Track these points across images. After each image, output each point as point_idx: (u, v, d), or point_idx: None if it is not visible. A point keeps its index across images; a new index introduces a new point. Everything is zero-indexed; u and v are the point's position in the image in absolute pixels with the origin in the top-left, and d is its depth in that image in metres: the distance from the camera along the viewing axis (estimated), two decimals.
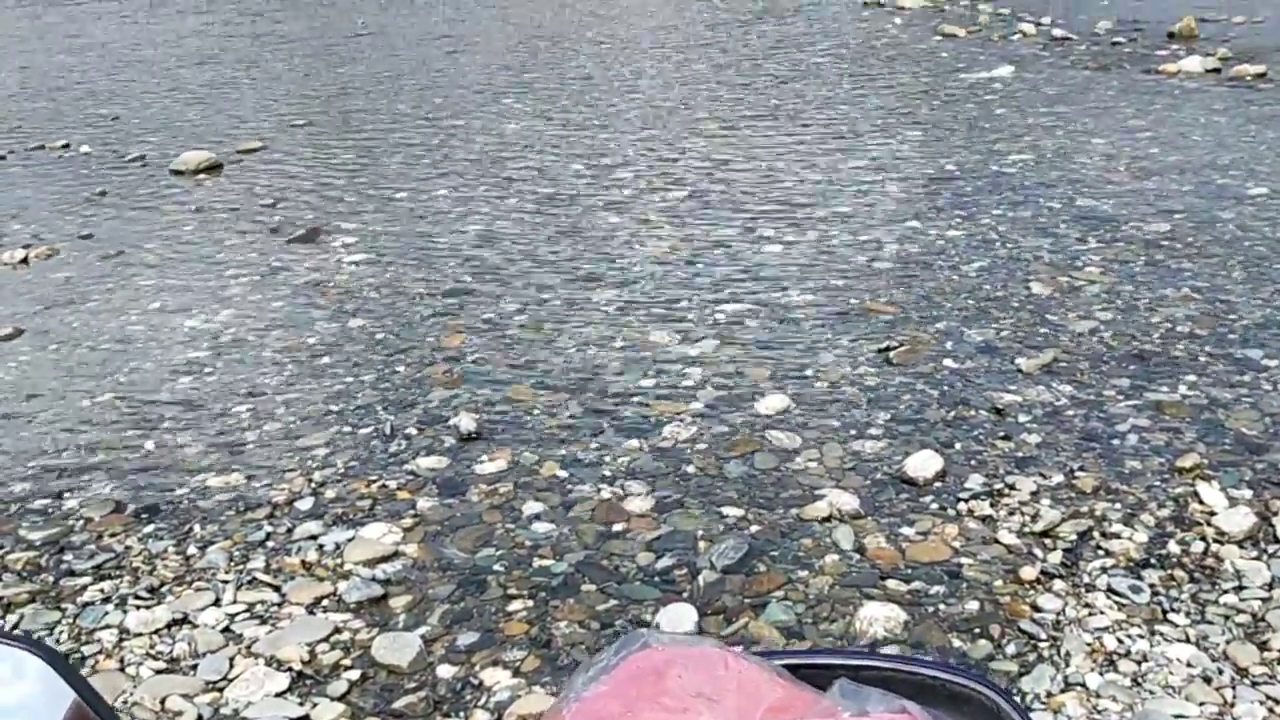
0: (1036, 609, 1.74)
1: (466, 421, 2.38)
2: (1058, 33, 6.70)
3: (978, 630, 1.70)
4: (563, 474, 2.19)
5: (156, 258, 3.59)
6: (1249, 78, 5.24)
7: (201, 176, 4.53)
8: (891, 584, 1.82)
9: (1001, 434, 2.24)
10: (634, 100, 5.55)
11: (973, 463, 2.14)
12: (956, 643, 1.68)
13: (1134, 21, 7.01)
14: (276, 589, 1.88)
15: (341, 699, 1.66)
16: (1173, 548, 1.86)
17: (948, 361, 2.58)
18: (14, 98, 6.59)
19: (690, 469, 2.18)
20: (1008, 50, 6.34)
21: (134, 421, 2.49)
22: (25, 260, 3.59)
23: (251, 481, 2.21)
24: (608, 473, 2.18)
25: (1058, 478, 2.07)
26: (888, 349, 2.65)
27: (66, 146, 5.11)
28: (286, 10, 10.44)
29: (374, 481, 2.19)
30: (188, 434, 2.42)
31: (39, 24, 10.50)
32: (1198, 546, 1.87)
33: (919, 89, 5.47)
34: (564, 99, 5.68)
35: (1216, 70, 5.43)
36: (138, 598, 1.86)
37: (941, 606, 1.76)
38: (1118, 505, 1.99)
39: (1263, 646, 1.66)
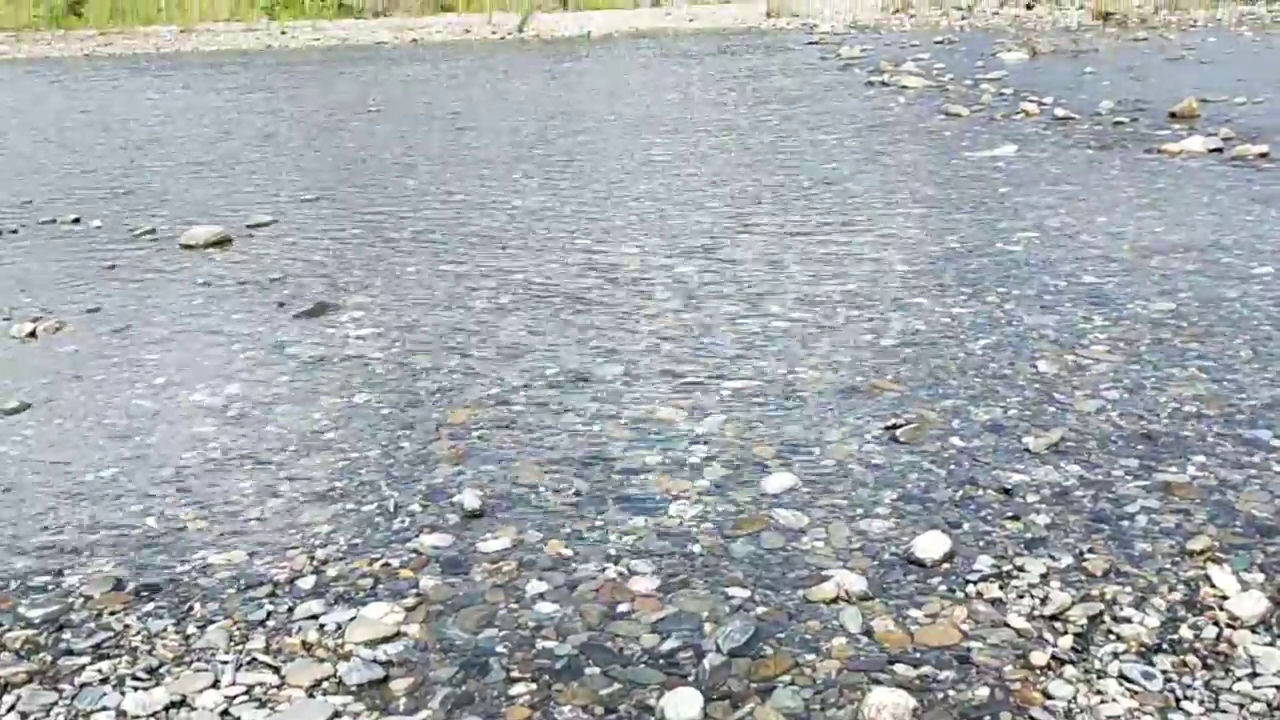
0: (1048, 696, 1.71)
1: (470, 498, 2.37)
2: (1060, 112, 6.78)
3: (988, 718, 1.67)
4: (567, 552, 2.17)
5: (164, 332, 3.60)
6: (1251, 157, 5.29)
7: (211, 251, 4.57)
8: (900, 668, 1.79)
9: (1010, 514, 2.22)
10: (641, 176, 5.60)
11: (981, 543, 2.12)
12: None
13: (1135, 102, 7.09)
14: (276, 670, 1.85)
15: None
16: (1185, 633, 1.84)
17: (955, 440, 2.57)
18: (27, 173, 6.66)
19: (696, 548, 2.16)
20: (1011, 129, 6.41)
21: (137, 497, 2.47)
22: (33, 334, 3.60)
23: (253, 559, 2.19)
24: (613, 551, 2.16)
25: (1067, 560, 2.05)
26: (894, 427, 2.64)
27: (77, 221, 5.16)
28: (299, 88, 10.60)
29: (376, 559, 2.17)
30: (190, 510, 2.40)
31: (54, 99, 10.66)
32: (1210, 632, 1.84)
33: (924, 167, 5.52)
34: (572, 175, 5.73)
35: (1219, 150, 5.48)
36: (136, 679, 1.84)
37: (951, 692, 1.73)
38: (1128, 588, 1.96)
39: None
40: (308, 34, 17.35)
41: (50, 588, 2.12)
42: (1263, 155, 5.30)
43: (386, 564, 2.15)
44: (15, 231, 5.05)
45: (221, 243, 4.65)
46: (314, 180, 5.99)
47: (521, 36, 15.44)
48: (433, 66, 12.17)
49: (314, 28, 18.33)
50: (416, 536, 2.25)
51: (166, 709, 1.76)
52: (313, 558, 2.18)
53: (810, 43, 12.40)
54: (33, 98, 11.01)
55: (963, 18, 14.41)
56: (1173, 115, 6.45)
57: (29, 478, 2.61)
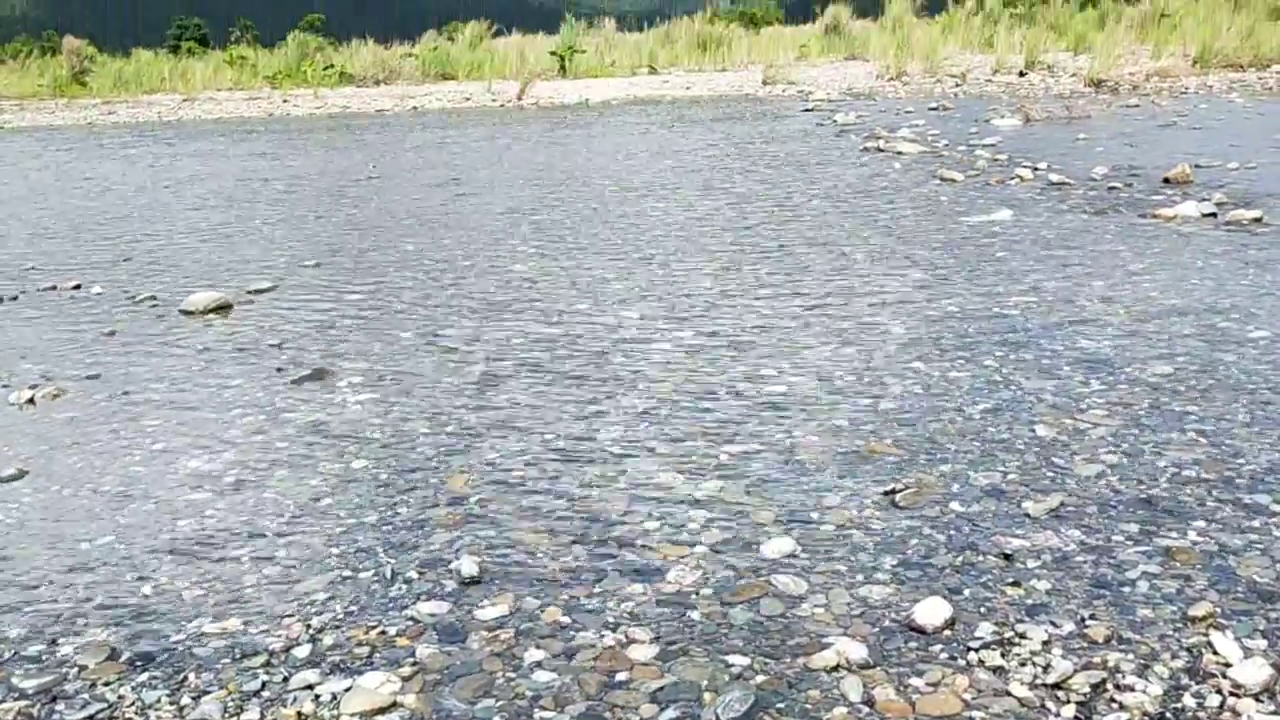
0: None
1: (468, 565, 2.36)
2: (1054, 178, 6.84)
3: None
4: (565, 620, 2.15)
5: (162, 398, 3.60)
6: (1245, 222, 5.33)
7: (211, 317, 4.59)
8: None
9: (1010, 580, 2.21)
10: (638, 241, 5.64)
11: (982, 610, 2.11)
12: None
13: (1129, 167, 7.16)
14: None
15: None
16: (1188, 701, 1.82)
17: (954, 505, 2.56)
18: (29, 239, 6.70)
19: (695, 615, 2.15)
20: (1006, 194, 6.46)
21: (132, 565, 2.46)
22: (32, 400, 3.60)
23: (248, 628, 2.18)
24: (611, 619, 2.15)
25: (1069, 626, 2.03)
26: (893, 491, 2.64)
27: (78, 287, 5.19)
28: (301, 154, 10.70)
29: (373, 627, 2.15)
30: (186, 578, 2.39)
31: (57, 167, 10.75)
32: (1214, 700, 1.82)
33: (920, 231, 5.56)
34: (569, 240, 5.77)
35: (1213, 215, 5.52)
36: None
37: None
38: (1130, 656, 1.94)
39: None
40: (310, 102, 17.55)
41: (44, 657, 2.11)
42: (1257, 220, 5.34)
43: (383, 632, 2.14)
44: (15, 298, 5.07)
45: (221, 308, 4.67)
46: (314, 246, 6.03)
47: (521, 104, 15.62)
48: (433, 133, 12.30)
49: (316, 96, 18.54)
50: (414, 604, 2.24)
51: None
52: (309, 626, 2.17)
53: (806, 109, 12.54)
54: (35, 165, 11.11)
55: (956, 85, 14.59)
56: (1166, 181, 6.51)
57: (24, 546, 2.60)
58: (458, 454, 3.02)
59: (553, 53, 20.30)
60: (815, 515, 2.54)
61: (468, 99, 16.60)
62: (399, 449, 3.08)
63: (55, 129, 16.00)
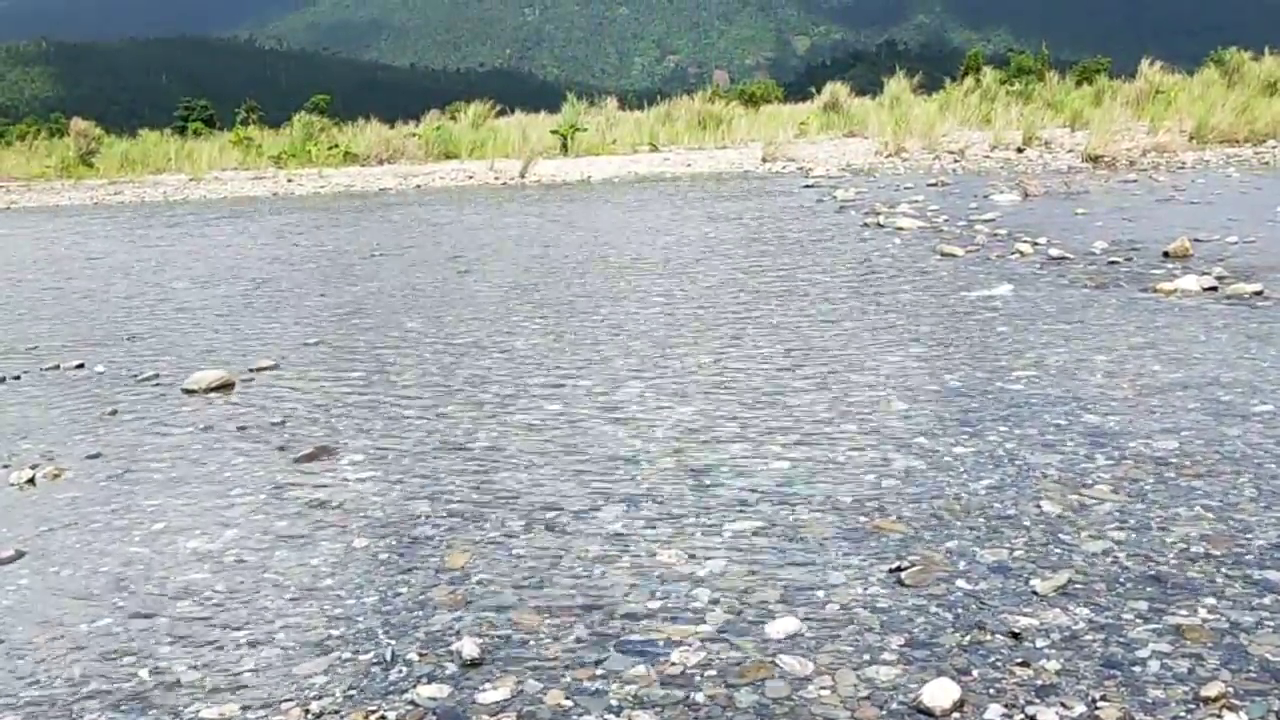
0: None
1: (469, 647, 2.32)
2: (1054, 252, 6.87)
3: None
4: (567, 703, 2.12)
5: (163, 477, 3.59)
6: (1246, 295, 5.34)
7: (213, 395, 4.58)
8: None
9: (1019, 660, 2.18)
10: (640, 317, 5.66)
11: (991, 691, 2.07)
12: None
13: (1129, 241, 7.20)
14: None
15: None
16: None
17: (961, 582, 2.53)
18: (34, 318, 6.73)
19: (700, 697, 2.11)
20: (1006, 269, 6.49)
21: (131, 648, 2.43)
22: (32, 480, 3.59)
23: (246, 713, 2.14)
24: (614, 702, 2.11)
25: (1080, 708, 2.00)
26: (899, 569, 2.61)
27: (81, 366, 5.19)
28: (305, 233, 10.78)
29: (373, 712, 2.12)
30: (184, 661, 2.36)
31: (63, 247, 10.83)
32: None
33: (921, 306, 5.58)
34: (572, 317, 5.79)
35: (1213, 288, 5.54)
36: None
37: None
38: None
39: None
40: (314, 181, 17.73)
41: None
42: (1257, 293, 5.36)
43: (383, 717, 2.10)
44: (18, 377, 5.07)
45: (224, 387, 4.67)
46: (317, 324, 6.05)
47: (523, 182, 15.77)
48: (435, 212, 12.41)
49: (320, 175, 18.74)
50: (414, 687, 2.20)
51: None
52: (307, 710, 2.13)
53: (806, 186, 12.65)
54: (41, 245, 11.20)
55: (954, 161, 14.74)
56: (1166, 255, 6.54)
57: (21, 629, 2.57)
58: (459, 532, 3.00)
59: (555, 131, 20.54)
60: (820, 594, 2.52)
61: (470, 177, 16.77)
62: (400, 527, 3.06)
63: (62, 209, 16.15)
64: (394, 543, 2.96)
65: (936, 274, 6.47)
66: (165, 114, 36.78)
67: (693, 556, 2.76)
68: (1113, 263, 6.46)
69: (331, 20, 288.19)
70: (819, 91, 24.23)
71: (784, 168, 15.36)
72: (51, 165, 22.32)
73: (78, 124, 23.92)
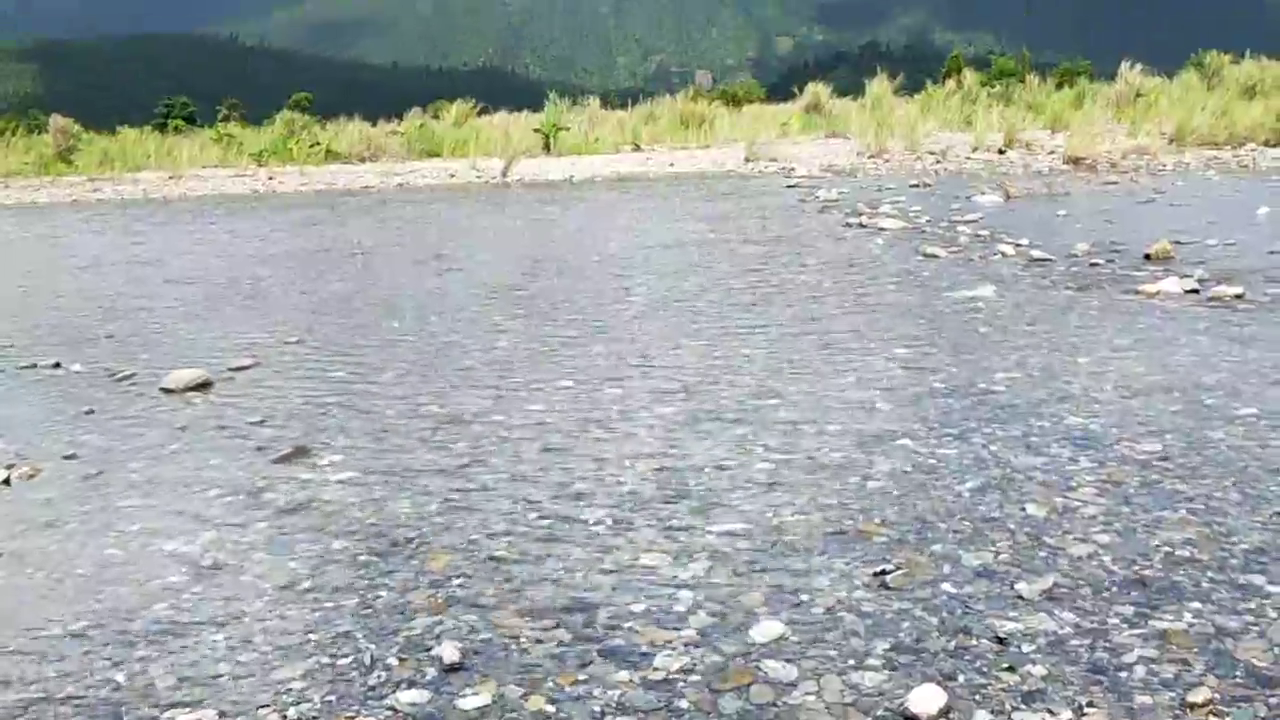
0: None
1: (449, 651, 2.29)
2: (1037, 254, 6.88)
3: None
4: (550, 709, 2.09)
5: (139, 478, 3.54)
6: (1227, 298, 5.35)
7: (191, 394, 4.54)
8: None
9: (1005, 665, 2.16)
10: (623, 318, 5.63)
11: (978, 697, 2.06)
12: None
13: (1110, 244, 7.21)
14: None
15: None
16: None
17: (946, 586, 2.52)
18: (9, 316, 6.66)
19: (683, 703, 2.09)
20: (989, 270, 6.49)
21: (106, 651, 2.39)
22: (7, 481, 3.54)
23: (223, 718, 2.11)
24: (597, 708, 2.09)
25: (1066, 714, 1.98)
26: (884, 573, 2.59)
27: (58, 365, 5.13)
28: (285, 231, 10.72)
29: (351, 718, 2.09)
30: (160, 665, 2.32)
31: (38, 245, 10.73)
32: None
33: (904, 307, 5.57)
34: (554, 316, 5.76)
35: (1195, 291, 5.55)
36: None
37: None
38: None
39: None
40: (296, 179, 17.64)
41: None
42: (1238, 296, 5.37)
43: None
44: None
45: (202, 386, 4.62)
46: (297, 322, 6.00)
47: (506, 181, 15.72)
48: (418, 210, 12.35)
49: (302, 173, 18.65)
50: (393, 692, 2.17)
51: None
52: (285, 716, 2.10)
53: (788, 186, 12.65)
54: (18, 242, 11.09)
55: (936, 162, 14.76)
56: (1148, 257, 6.55)
57: None
58: (440, 534, 2.97)
59: (537, 130, 20.49)
60: (805, 597, 2.50)
61: (453, 176, 16.71)
62: (380, 529, 3.03)
63: (40, 206, 16.02)
64: (374, 545, 2.92)
65: (919, 274, 6.46)
66: (146, 112, 36.57)
67: (676, 559, 2.73)
68: (1094, 265, 6.47)
69: (315, 19, 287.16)
70: (801, 92, 24.25)
71: (766, 168, 15.36)
72: (29, 162, 22.14)
73: (57, 120, 23.73)
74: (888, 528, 2.87)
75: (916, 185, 11.91)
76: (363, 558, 2.85)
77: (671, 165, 16.52)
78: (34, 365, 5.17)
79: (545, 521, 3.02)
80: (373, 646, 2.37)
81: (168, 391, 4.58)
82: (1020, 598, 2.44)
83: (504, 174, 16.26)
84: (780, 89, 33.21)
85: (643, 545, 2.83)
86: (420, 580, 2.69)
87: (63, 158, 22.20)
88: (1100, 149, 14.12)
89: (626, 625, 2.41)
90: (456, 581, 2.68)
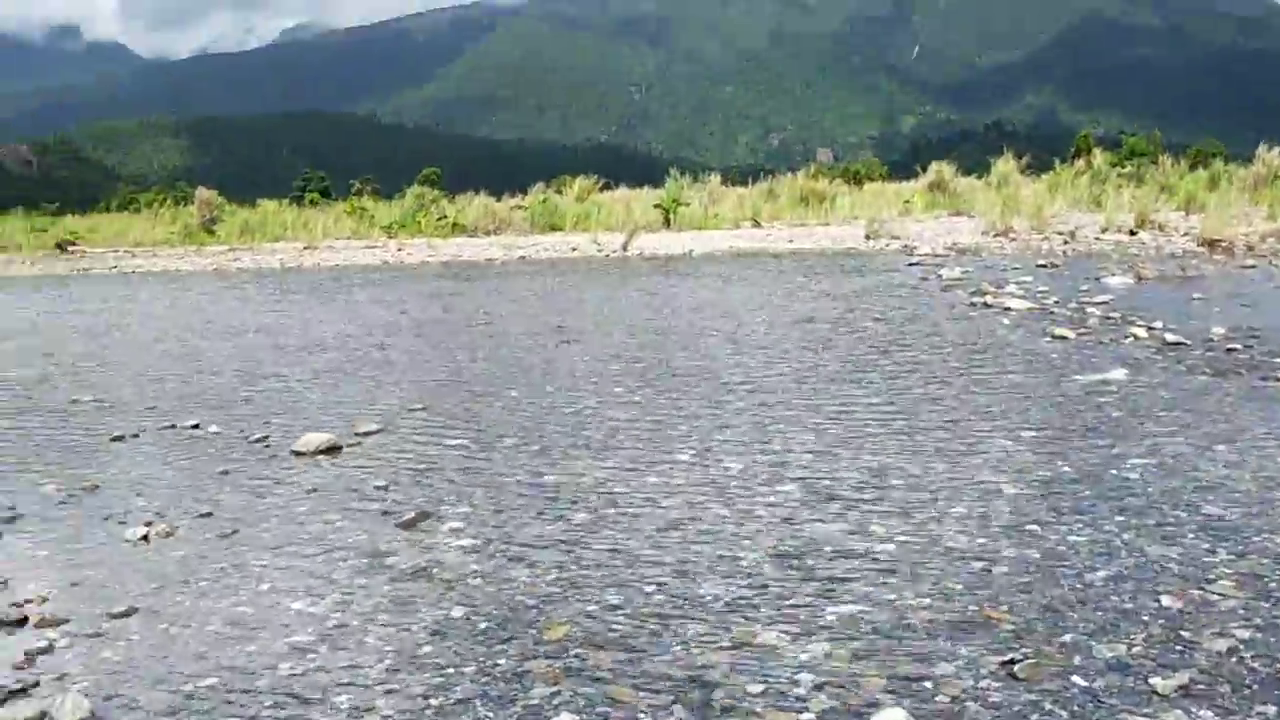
0: None
1: None
2: (1170, 337, 6.68)
3: None
4: None
5: (270, 538, 3.64)
6: None
7: (320, 458, 4.66)
8: None
9: None
10: (740, 392, 5.63)
11: None
12: None
13: (1248, 329, 6.98)
14: None
15: None
16: None
17: (1076, 678, 2.43)
18: (154, 379, 6.94)
19: None
20: (1120, 353, 6.33)
21: (232, 709, 2.45)
22: (145, 538, 3.67)
23: None
24: None
25: None
26: (1012, 662, 2.52)
27: (196, 426, 5.33)
28: (412, 301, 10.99)
29: None
30: None
31: (183, 309, 11.18)
32: None
33: (1031, 389, 5.46)
34: (674, 389, 5.78)
35: None
36: None
37: None
38: None
39: None
40: (423, 251, 18.14)
41: None
42: None
43: None
44: (137, 435, 5.22)
45: (331, 450, 4.75)
46: (422, 389, 6.13)
47: (626, 255, 15.92)
48: (539, 282, 12.57)
49: (429, 245, 19.17)
50: None
51: None
52: None
53: (911, 264, 12.55)
54: (161, 309, 11.59)
55: (1064, 242, 14.50)
56: None
57: (130, 684, 2.61)
58: (557, 603, 2.98)
59: (658, 205, 20.75)
60: (928, 685, 2.44)
61: (574, 249, 16.98)
62: (499, 596, 3.06)
63: (183, 274, 16.74)
64: (493, 612, 2.95)
65: (1047, 356, 6.33)
66: (285, 185, 38.07)
67: (795, 640, 2.70)
68: (1231, 350, 6.26)
69: (447, 97, 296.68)
70: (924, 170, 24.14)
71: (888, 245, 15.28)
72: (175, 232, 23.21)
73: (202, 193, 24.89)
74: (1015, 615, 2.79)
75: (1044, 265, 11.71)
76: (482, 625, 2.87)
77: (791, 242, 16.55)
78: (174, 426, 5.38)
79: (662, 596, 3.01)
80: (491, 714, 2.38)
81: (298, 454, 4.71)
82: (1155, 693, 2.35)
83: (624, 248, 16.47)
84: (903, 166, 33.14)
85: (761, 623, 2.80)
86: (538, 649, 2.71)
87: (206, 228, 23.22)
88: (1237, 231, 13.71)
89: (744, 705, 2.38)
90: (574, 652, 2.68)
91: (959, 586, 2.99)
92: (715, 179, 24.41)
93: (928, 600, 2.90)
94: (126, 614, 3.03)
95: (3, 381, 7.02)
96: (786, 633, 2.73)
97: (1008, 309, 8.32)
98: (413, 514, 3.82)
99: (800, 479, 4.06)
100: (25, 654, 2.78)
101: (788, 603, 2.92)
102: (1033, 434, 4.58)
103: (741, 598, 2.97)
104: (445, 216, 22.22)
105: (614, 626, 2.82)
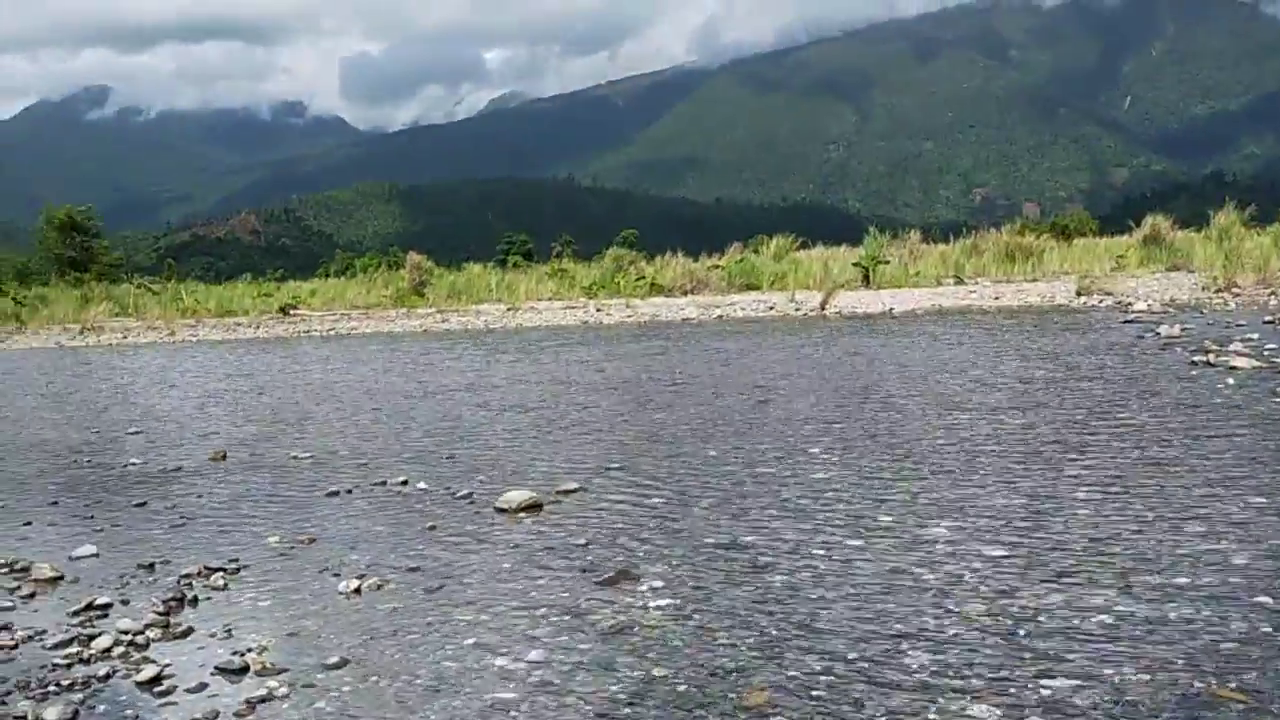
0: None
1: None
2: None
3: None
4: None
5: (475, 593, 3.73)
6: None
7: (522, 515, 4.76)
8: None
9: None
10: (945, 454, 5.47)
11: None
12: None
13: None
14: None
15: None
16: None
17: None
18: (367, 437, 7.24)
19: None
20: None
21: None
22: (358, 590, 3.82)
23: None
24: None
25: None
26: None
27: (405, 483, 5.53)
28: (610, 361, 11.17)
29: None
30: None
31: (395, 370, 11.66)
32: None
33: (1261, 452, 5.12)
34: (874, 450, 5.67)
35: None
36: None
37: None
38: None
39: None
40: (621, 311, 18.45)
41: None
42: None
43: None
44: (350, 491, 5.45)
45: (533, 507, 4.85)
46: (620, 448, 6.20)
47: (824, 314, 15.80)
48: (737, 341, 12.59)
49: (627, 305, 19.48)
50: None
51: None
52: None
53: (1126, 321, 12.02)
54: (373, 370, 12.11)
55: None
56: None
57: None
58: (758, 667, 2.95)
59: (856, 263, 20.55)
60: None
61: (771, 308, 16.96)
62: (699, 657, 3.04)
63: (395, 336, 17.49)
64: (692, 674, 2.94)
65: (1276, 418, 5.94)
66: (489, 248, 39.48)
67: (1005, 713, 2.58)
68: None
69: (644, 158, 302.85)
70: (1138, 224, 23.14)
71: (1100, 302, 14.69)
72: (388, 295, 24.32)
73: (413, 257, 26.05)
74: (1246, 695, 2.60)
75: (1272, 322, 11.03)
76: (681, 687, 2.86)
77: (997, 299, 16.10)
78: (384, 482, 5.59)
79: (864, 663, 2.93)
80: None
81: (501, 511, 4.83)
82: None
83: (822, 306, 16.35)
84: (1114, 220, 31.85)
85: (970, 695, 2.69)
86: (738, 714, 2.67)
87: (416, 291, 24.24)
88: None
89: None
90: (775, 718, 2.63)
91: (1181, 662, 2.81)
92: (915, 235, 24.04)
93: (1148, 676, 2.74)
94: (339, 665, 3.14)
95: (236, 440, 7.45)
96: (997, 707, 2.62)
97: (1233, 368, 7.86)
98: (612, 572, 3.85)
99: (1010, 543, 3.91)
100: (246, 701, 2.92)
101: (997, 676, 2.81)
102: (1263, 500, 4.29)
103: (948, 666, 2.87)
104: (643, 277, 22.58)
105: (815, 692, 2.76)
